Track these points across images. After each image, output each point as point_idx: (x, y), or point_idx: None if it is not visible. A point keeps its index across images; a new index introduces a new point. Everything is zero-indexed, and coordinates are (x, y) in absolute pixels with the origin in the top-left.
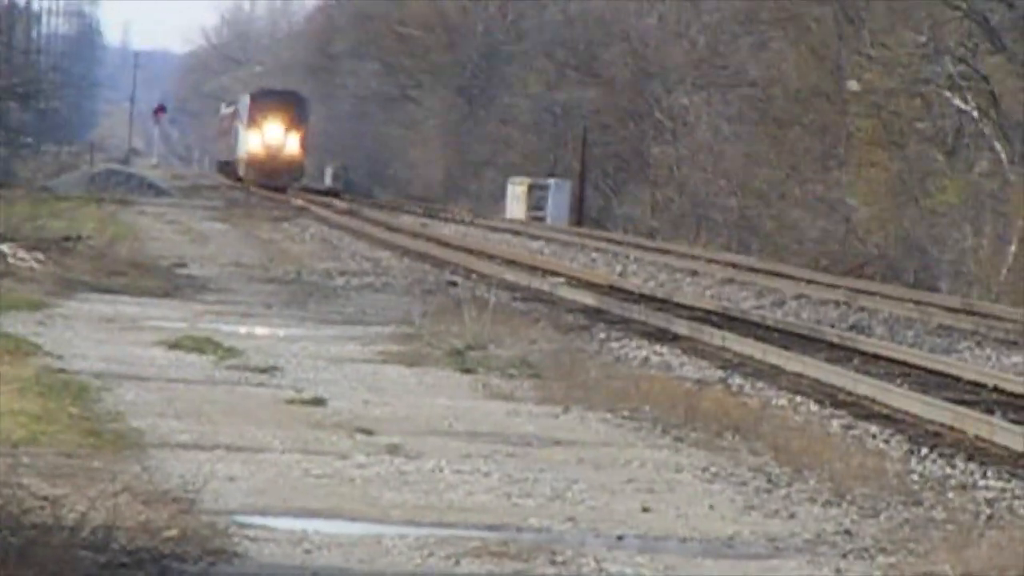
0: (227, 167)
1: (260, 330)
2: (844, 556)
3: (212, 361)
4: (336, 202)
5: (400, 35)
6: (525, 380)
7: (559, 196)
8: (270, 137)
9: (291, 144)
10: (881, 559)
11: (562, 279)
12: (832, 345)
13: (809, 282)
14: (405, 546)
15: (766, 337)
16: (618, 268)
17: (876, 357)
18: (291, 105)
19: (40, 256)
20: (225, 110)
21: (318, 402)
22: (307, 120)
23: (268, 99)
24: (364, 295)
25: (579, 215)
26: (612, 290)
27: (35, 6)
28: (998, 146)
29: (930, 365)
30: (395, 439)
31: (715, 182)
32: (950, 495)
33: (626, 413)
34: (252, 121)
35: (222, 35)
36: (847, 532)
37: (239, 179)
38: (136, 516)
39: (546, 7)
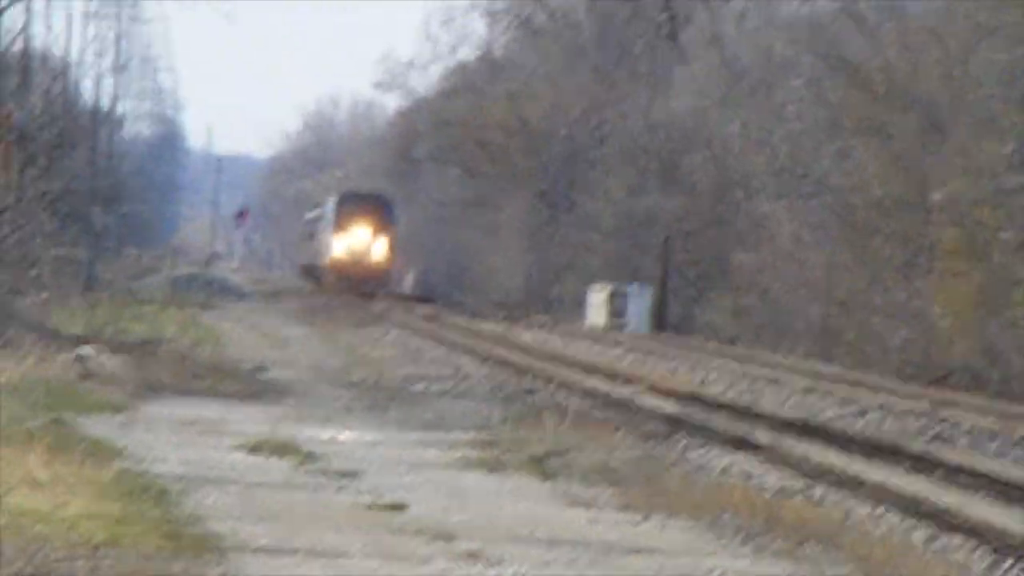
0: (311, 272)
1: (340, 435)
2: None
3: (292, 465)
4: (418, 307)
5: (481, 140)
6: (606, 487)
7: (640, 302)
8: (356, 241)
9: (378, 249)
10: None
11: (643, 386)
12: (914, 456)
13: (891, 392)
14: None
15: (848, 447)
16: (699, 375)
17: (959, 468)
18: (379, 208)
19: (122, 359)
20: (310, 213)
21: (398, 507)
22: (395, 224)
23: (354, 201)
24: (444, 401)
25: (660, 322)
26: (693, 398)
27: (119, 110)
28: None
29: (1013, 477)
30: (475, 545)
31: (797, 290)
32: None
33: (707, 522)
34: (338, 224)
35: (304, 139)
36: None
37: (324, 285)
38: None
39: (628, 113)
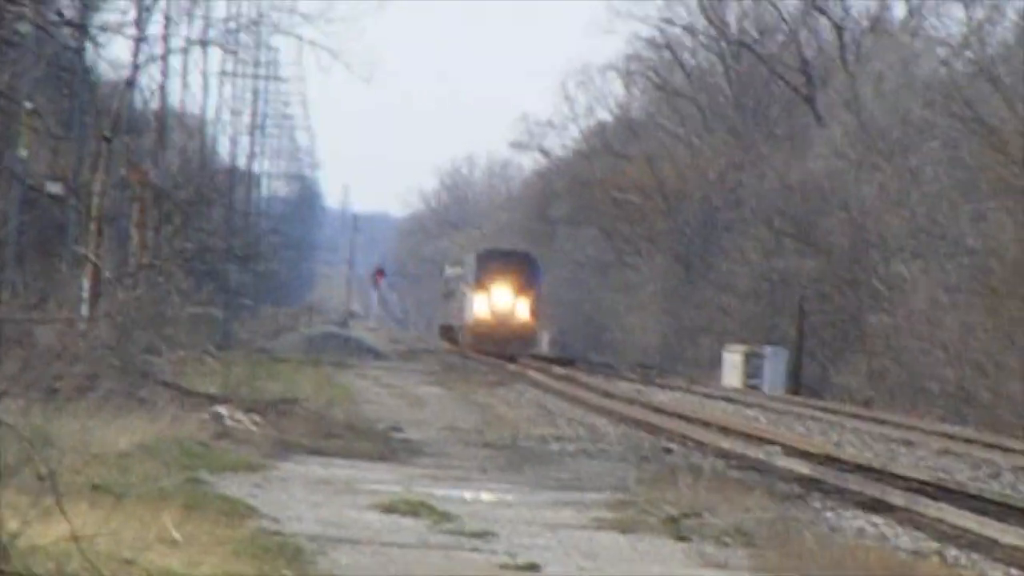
0: (450, 332)
1: (474, 495)
2: None
3: (426, 525)
4: (554, 368)
5: (617, 201)
6: (740, 549)
7: (775, 364)
8: (498, 301)
9: (521, 309)
10: None
11: (778, 448)
12: None
13: None
14: None
15: (982, 509)
16: (834, 437)
17: None
18: (522, 266)
19: (257, 418)
20: (449, 271)
21: (532, 568)
22: (539, 283)
23: (497, 260)
24: (579, 461)
25: (796, 383)
26: (828, 459)
27: (256, 168)
28: None
29: None
30: None
31: (932, 352)
32: None
33: None
34: (479, 283)
35: (440, 199)
36: None
37: (464, 346)
38: None
39: (765, 175)
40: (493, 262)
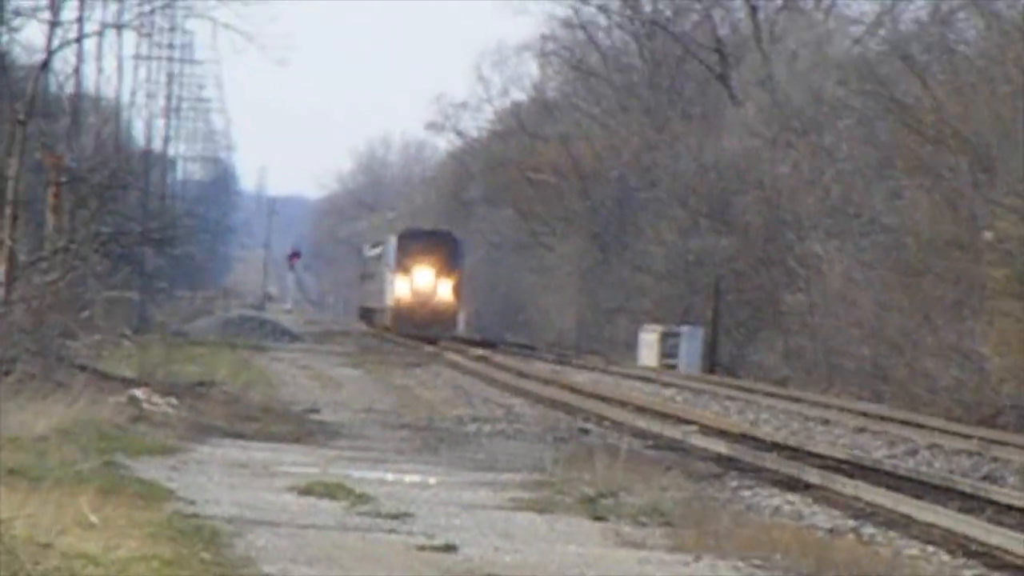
0: (370, 315)
1: (392, 476)
2: None
3: (344, 507)
4: (471, 349)
5: (533, 181)
6: (656, 528)
7: (691, 344)
8: (420, 282)
9: (443, 290)
10: None
11: (694, 427)
12: (964, 495)
13: (942, 431)
14: None
15: (898, 487)
16: (750, 416)
17: (1009, 507)
18: (444, 246)
19: (174, 401)
20: (369, 251)
21: (450, 549)
22: (462, 263)
23: (418, 240)
24: (496, 442)
25: (712, 362)
26: (744, 438)
27: (171, 152)
28: None
29: None
30: None
31: (847, 330)
32: None
33: (757, 562)
34: (400, 264)
35: (356, 181)
36: None
37: (385, 328)
38: None
39: (679, 154)
40: (415, 242)
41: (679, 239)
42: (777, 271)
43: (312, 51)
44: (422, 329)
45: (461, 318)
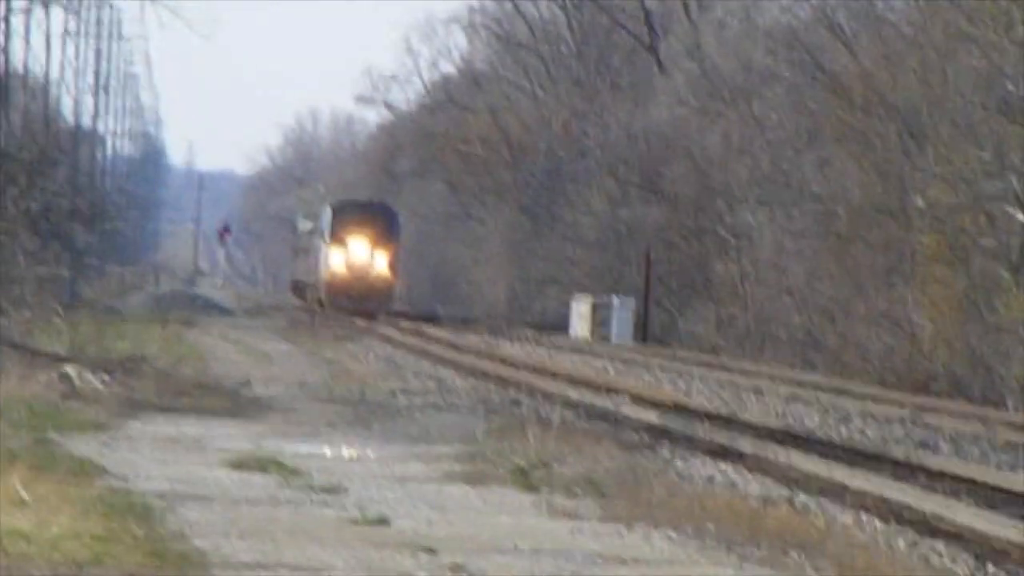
0: (303, 289)
1: (324, 450)
2: None
3: (276, 481)
4: (401, 322)
5: (462, 154)
6: (589, 498)
7: (623, 314)
8: (356, 255)
9: (380, 263)
10: None
11: (626, 397)
12: (897, 462)
13: (874, 399)
14: None
15: (831, 455)
16: (682, 386)
17: (942, 474)
18: (380, 218)
19: (105, 377)
20: (303, 224)
21: (382, 521)
22: (398, 236)
23: (353, 212)
24: (428, 414)
25: (643, 333)
26: (676, 408)
27: (100, 128)
28: None
29: (996, 482)
30: (459, 558)
31: (779, 299)
32: None
33: (690, 531)
34: (335, 237)
35: (286, 155)
36: None
37: (319, 303)
38: None
39: (609, 125)
40: (350, 214)
41: (609, 209)
42: (708, 240)
43: (239, 25)
44: (357, 304)
45: (396, 292)
